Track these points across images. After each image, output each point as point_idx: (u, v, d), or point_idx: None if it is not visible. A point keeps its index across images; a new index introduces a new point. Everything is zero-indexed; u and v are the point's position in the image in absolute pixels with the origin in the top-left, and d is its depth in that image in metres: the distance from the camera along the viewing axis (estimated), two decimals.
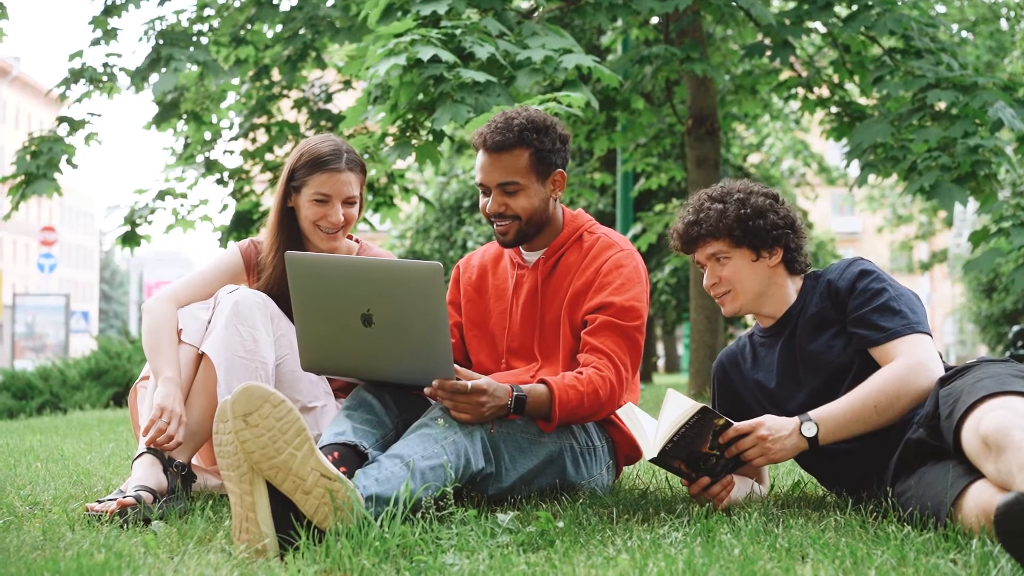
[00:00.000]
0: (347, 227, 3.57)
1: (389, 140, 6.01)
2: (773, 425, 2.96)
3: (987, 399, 2.56)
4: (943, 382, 2.84)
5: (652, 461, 2.96)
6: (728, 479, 3.05)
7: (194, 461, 3.44)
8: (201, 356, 3.35)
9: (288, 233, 3.59)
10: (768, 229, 3.16)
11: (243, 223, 9.18)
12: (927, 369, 2.93)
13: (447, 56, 5.11)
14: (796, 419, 2.96)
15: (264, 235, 3.67)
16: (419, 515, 2.69)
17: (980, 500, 2.50)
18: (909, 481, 2.81)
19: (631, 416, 3.05)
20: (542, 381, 3.14)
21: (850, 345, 3.08)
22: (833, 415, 2.95)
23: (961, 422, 2.58)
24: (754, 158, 20.69)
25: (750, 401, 3.29)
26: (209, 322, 3.38)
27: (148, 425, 3.20)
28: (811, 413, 2.96)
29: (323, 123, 9.30)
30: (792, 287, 3.25)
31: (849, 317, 3.09)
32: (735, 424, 2.97)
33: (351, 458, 2.85)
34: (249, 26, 8.84)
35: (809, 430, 2.93)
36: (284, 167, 3.60)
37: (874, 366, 3.03)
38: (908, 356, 2.96)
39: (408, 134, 5.85)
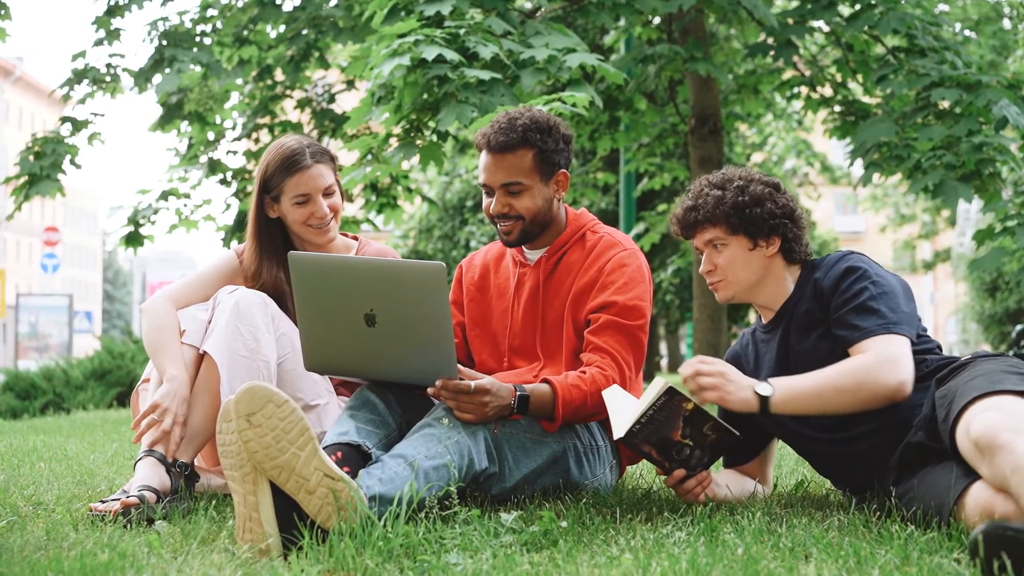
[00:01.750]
0: (336, 217, 3.59)
1: (393, 141, 6.00)
2: (735, 372, 2.96)
3: (977, 400, 2.55)
4: (939, 381, 2.83)
5: (619, 442, 2.96)
6: (704, 475, 3.04)
7: (196, 462, 3.44)
8: (202, 356, 3.36)
9: (270, 242, 3.60)
10: (765, 218, 3.14)
11: (246, 223, 9.17)
12: (895, 367, 2.89)
13: (451, 55, 5.11)
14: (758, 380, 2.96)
15: (246, 248, 3.67)
16: (423, 515, 2.69)
17: (980, 500, 2.50)
18: (911, 482, 2.81)
19: (613, 397, 3.05)
20: (545, 380, 3.15)
21: (835, 348, 3.06)
22: (793, 384, 2.93)
23: (955, 425, 2.58)
24: (757, 157, 20.68)
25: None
26: (209, 322, 3.39)
27: (139, 420, 3.22)
28: (772, 379, 2.95)
29: (326, 123, 9.30)
30: (790, 278, 3.21)
31: (831, 318, 3.06)
32: (701, 356, 2.97)
33: (354, 458, 2.85)
34: (252, 26, 8.83)
35: (763, 389, 2.91)
36: (255, 181, 3.62)
37: None
38: (878, 353, 2.92)
39: (412, 134, 5.85)
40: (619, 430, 2.95)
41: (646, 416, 2.90)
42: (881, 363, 2.89)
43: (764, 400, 2.90)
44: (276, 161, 3.55)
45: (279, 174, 3.53)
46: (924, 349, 3.06)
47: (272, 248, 3.59)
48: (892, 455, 2.93)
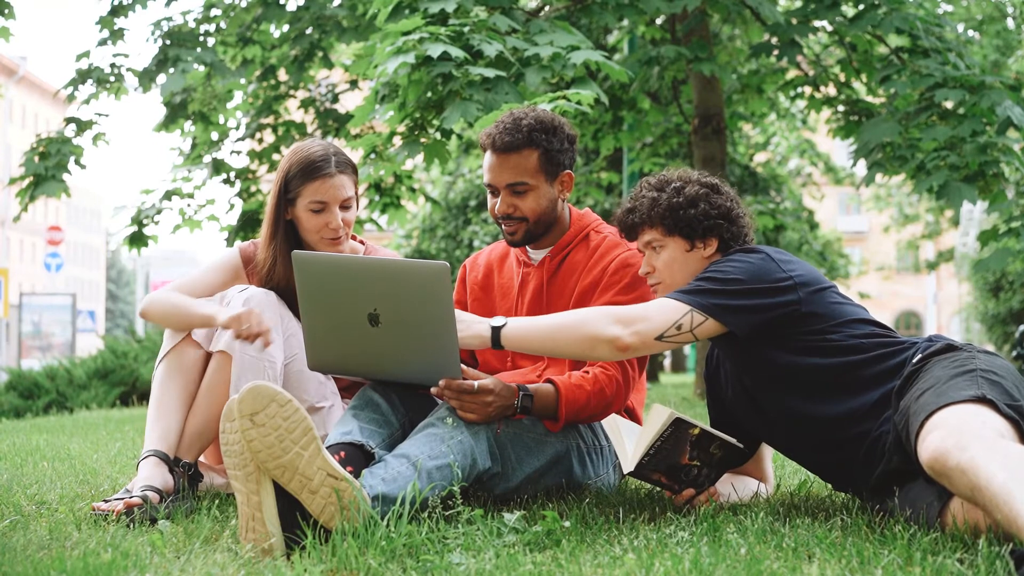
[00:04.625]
0: (348, 230, 3.55)
1: (397, 139, 6.00)
2: (467, 315, 3.01)
3: (926, 421, 2.52)
4: (898, 394, 2.81)
5: (630, 475, 2.96)
6: (712, 490, 3.04)
7: (201, 459, 3.44)
8: (204, 357, 3.36)
9: (284, 241, 3.54)
10: (700, 219, 3.10)
11: (250, 223, 9.18)
12: (624, 322, 2.88)
13: (456, 53, 5.10)
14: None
15: (259, 246, 3.63)
16: (426, 515, 2.69)
17: (962, 515, 2.50)
18: (894, 501, 2.80)
19: (613, 428, 3.05)
20: (549, 380, 3.14)
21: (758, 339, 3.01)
22: (527, 319, 2.98)
23: (916, 451, 2.56)
24: (760, 157, 20.65)
25: (729, 399, 3.25)
26: None
27: (234, 324, 3.24)
28: (513, 317, 3.01)
29: (330, 123, 9.30)
30: None
31: None
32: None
33: (358, 458, 2.85)
34: (256, 26, 8.84)
35: (496, 321, 2.96)
36: (275, 179, 3.55)
37: (789, 368, 2.99)
38: (637, 306, 2.95)
39: (416, 133, 5.85)
40: (628, 464, 2.95)
41: (654, 447, 2.91)
42: (618, 314, 2.91)
43: (496, 332, 2.94)
44: (299, 164, 3.47)
45: (300, 177, 3.46)
46: (860, 334, 2.98)
47: (286, 247, 3.54)
48: (868, 467, 2.91)
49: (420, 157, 5.85)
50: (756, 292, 2.94)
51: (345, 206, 3.51)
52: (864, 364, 2.93)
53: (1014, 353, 15.55)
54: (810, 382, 2.96)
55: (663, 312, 2.91)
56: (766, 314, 2.95)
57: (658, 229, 3.14)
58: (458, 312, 2.98)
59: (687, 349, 28.35)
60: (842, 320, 2.99)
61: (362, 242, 3.74)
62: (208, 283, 3.55)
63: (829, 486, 3.43)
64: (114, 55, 8.66)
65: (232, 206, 9.55)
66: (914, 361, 2.86)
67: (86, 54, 8.60)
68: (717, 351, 3.27)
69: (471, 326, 2.96)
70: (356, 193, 3.56)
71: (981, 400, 2.52)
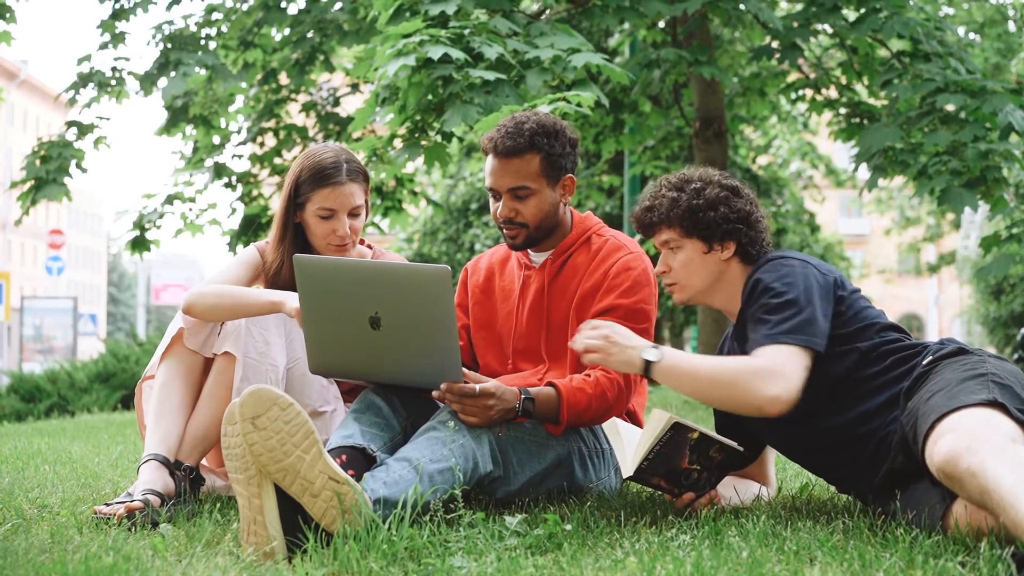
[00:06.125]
0: (355, 237, 3.54)
1: (397, 142, 5.99)
2: (623, 332, 2.92)
3: (936, 424, 2.51)
4: (907, 395, 2.80)
5: (629, 479, 2.95)
6: (713, 493, 3.04)
7: (202, 461, 3.44)
8: (204, 361, 3.36)
9: (292, 243, 3.53)
10: (719, 222, 3.08)
11: (251, 227, 9.18)
12: (775, 379, 2.79)
13: (457, 55, 5.10)
14: (652, 343, 2.92)
15: (268, 247, 3.62)
16: (427, 518, 2.69)
17: (965, 517, 2.50)
18: (897, 503, 2.79)
19: (613, 431, 3.05)
20: (550, 384, 3.14)
21: None
22: (680, 357, 2.88)
23: (923, 452, 2.55)
24: (762, 160, 20.64)
25: None
26: (221, 325, 3.37)
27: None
28: (668, 349, 2.91)
29: (331, 126, 9.29)
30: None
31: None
32: (592, 322, 2.95)
33: (359, 461, 2.85)
34: (257, 29, 8.84)
35: (650, 354, 2.87)
36: (286, 182, 3.54)
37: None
38: (769, 360, 2.83)
39: (417, 135, 5.84)
40: (627, 468, 2.94)
41: (653, 452, 2.89)
42: (764, 371, 2.80)
43: (648, 365, 2.87)
44: (311, 169, 3.46)
45: (310, 183, 3.45)
46: (883, 341, 2.98)
47: (295, 249, 3.52)
48: (873, 466, 2.90)
49: (421, 160, 5.84)
50: (822, 305, 2.93)
51: (354, 214, 3.50)
52: (882, 372, 2.93)
53: (1015, 356, 15.56)
54: (833, 396, 2.96)
55: (792, 361, 2.83)
56: (829, 323, 2.94)
57: (676, 230, 3.13)
58: (614, 326, 2.93)
59: (687, 347, 28.33)
60: (867, 323, 2.99)
61: (369, 246, 3.74)
62: (236, 277, 3.51)
63: (831, 489, 3.44)
64: (115, 59, 8.64)
65: (234, 210, 9.54)
66: (924, 363, 2.86)
67: (87, 58, 8.59)
68: (727, 350, 3.27)
69: (624, 350, 2.88)
70: (366, 200, 3.55)
71: (992, 404, 2.52)
